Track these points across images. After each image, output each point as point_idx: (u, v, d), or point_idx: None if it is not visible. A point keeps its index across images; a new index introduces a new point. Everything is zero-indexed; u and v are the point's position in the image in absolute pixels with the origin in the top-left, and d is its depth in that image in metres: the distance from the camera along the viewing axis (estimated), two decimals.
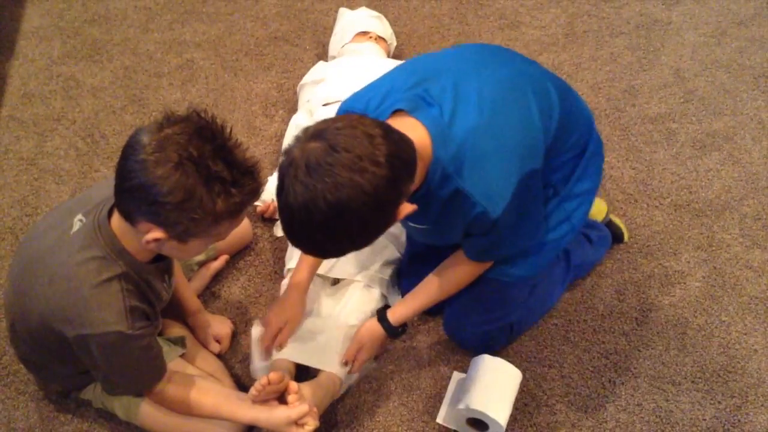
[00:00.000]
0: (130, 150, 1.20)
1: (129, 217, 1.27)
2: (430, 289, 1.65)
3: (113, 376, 1.43)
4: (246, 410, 1.49)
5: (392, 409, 1.71)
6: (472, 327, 1.73)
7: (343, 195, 1.16)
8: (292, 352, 1.70)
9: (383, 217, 1.24)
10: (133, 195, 1.22)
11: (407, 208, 1.28)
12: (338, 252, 1.30)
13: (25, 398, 1.69)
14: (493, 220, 1.38)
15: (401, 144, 1.24)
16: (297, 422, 1.47)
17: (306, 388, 1.60)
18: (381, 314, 1.69)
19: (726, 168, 2.24)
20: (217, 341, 1.76)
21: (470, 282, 1.65)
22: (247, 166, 1.24)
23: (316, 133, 1.19)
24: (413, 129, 1.32)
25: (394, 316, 1.67)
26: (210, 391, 1.54)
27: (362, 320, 1.76)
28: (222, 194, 1.21)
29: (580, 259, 1.85)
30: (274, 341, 1.68)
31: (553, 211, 1.64)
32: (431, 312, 1.83)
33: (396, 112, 1.37)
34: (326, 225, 1.19)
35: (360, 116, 1.24)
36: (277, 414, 1.47)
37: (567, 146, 1.57)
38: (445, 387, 1.74)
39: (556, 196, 1.62)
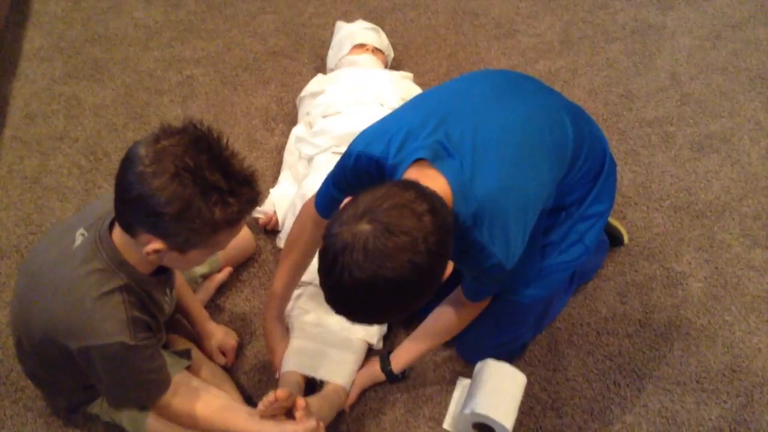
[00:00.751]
0: (128, 163, 1.22)
1: (129, 229, 1.29)
2: (432, 333, 1.67)
3: (117, 389, 1.44)
4: (254, 425, 1.49)
5: (399, 417, 1.71)
6: (487, 351, 1.72)
7: (404, 275, 1.16)
8: (298, 364, 1.71)
9: (434, 285, 1.25)
10: (132, 207, 1.23)
11: (449, 266, 1.30)
12: (390, 319, 1.34)
13: (33, 414, 1.70)
14: (506, 270, 1.40)
15: (442, 212, 1.23)
16: None
17: (313, 402, 1.61)
18: (384, 362, 1.71)
19: (725, 169, 2.25)
20: (223, 354, 1.77)
21: (471, 321, 1.65)
22: (245, 175, 1.26)
23: (365, 212, 1.18)
24: (435, 180, 1.31)
25: (398, 364, 1.70)
26: (217, 404, 1.54)
27: (366, 333, 1.77)
28: (219, 204, 1.22)
29: (582, 268, 1.85)
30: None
31: (566, 234, 1.65)
32: None
33: (417, 160, 1.36)
34: (386, 299, 1.20)
35: (400, 190, 1.22)
36: (286, 429, 1.48)
37: (582, 172, 1.59)
38: (451, 393, 1.74)
39: (569, 219, 1.64)
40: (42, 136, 2.36)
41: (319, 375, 1.71)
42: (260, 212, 2.08)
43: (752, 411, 1.71)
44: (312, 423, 1.50)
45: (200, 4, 2.85)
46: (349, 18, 2.68)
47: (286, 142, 2.27)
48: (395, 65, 2.58)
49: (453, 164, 1.34)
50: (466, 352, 1.79)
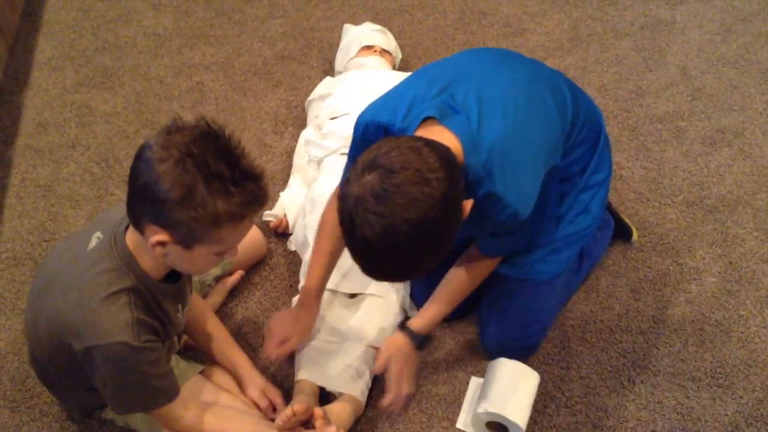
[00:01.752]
0: (139, 154, 1.25)
1: (138, 223, 1.30)
2: (449, 292, 1.66)
3: (119, 393, 1.41)
4: None
5: (411, 417, 1.71)
6: (512, 341, 1.74)
7: (420, 209, 1.17)
8: (312, 374, 1.71)
9: (456, 217, 1.25)
10: (139, 196, 1.25)
11: (468, 204, 1.29)
12: (423, 270, 1.28)
13: (48, 419, 1.71)
14: (522, 220, 1.41)
15: (441, 147, 1.25)
16: None
17: (331, 410, 1.62)
18: (403, 325, 1.68)
19: (737, 163, 2.23)
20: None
21: (486, 276, 1.65)
22: (252, 171, 1.26)
23: (365, 165, 1.20)
24: (443, 136, 1.33)
25: (418, 324, 1.66)
26: (233, 419, 1.55)
27: (379, 340, 1.76)
28: (222, 193, 1.22)
29: (589, 246, 1.87)
30: (275, 351, 1.67)
31: (572, 205, 1.67)
32: (448, 319, 1.83)
33: (425, 120, 1.38)
34: (410, 244, 1.19)
35: (394, 138, 1.25)
36: None
37: (581, 140, 1.62)
38: (463, 392, 1.74)
39: (574, 189, 1.66)
40: (54, 144, 2.38)
41: (334, 387, 1.70)
42: (271, 215, 2.08)
43: None
44: (332, 429, 1.51)
45: (209, 10, 2.87)
46: (356, 21, 2.69)
47: (295, 146, 2.27)
48: (403, 66, 2.58)
49: (460, 119, 1.37)
50: (492, 343, 1.78)
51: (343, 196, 1.22)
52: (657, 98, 2.44)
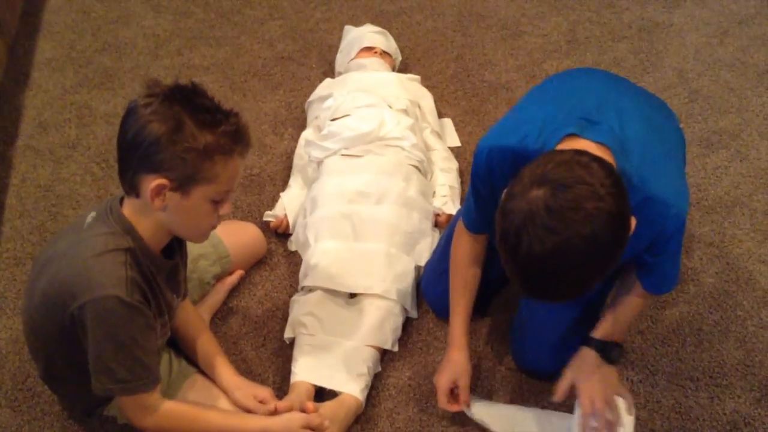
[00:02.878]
0: (125, 114, 1.32)
1: (133, 183, 1.33)
2: (624, 321, 1.59)
3: (105, 357, 1.38)
4: (255, 419, 1.52)
5: (412, 416, 1.72)
6: (553, 353, 1.69)
7: (596, 224, 1.13)
8: (311, 375, 1.72)
9: (626, 234, 1.21)
10: (130, 149, 1.30)
11: (633, 221, 1.24)
12: (586, 289, 1.23)
13: (50, 418, 1.72)
14: (683, 221, 1.38)
15: (606, 162, 1.22)
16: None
17: (326, 407, 1.63)
18: (597, 343, 1.55)
19: (734, 165, 2.25)
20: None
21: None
22: (231, 109, 1.34)
23: (533, 180, 1.17)
24: (595, 149, 1.31)
25: (599, 333, 1.56)
26: (215, 406, 1.58)
27: (380, 339, 1.77)
28: (209, 125, 1.29)
29: None
30: (450, 402, 1.64)
31: None
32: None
33: (564, 137, 1.35)
34: (581, 260, 1.16)
35: (558, 152, 1.23)
36: (286, 417, 1.50)
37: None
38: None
39: None
40: (54, 144, 2.38)
41: (332, 385, 1.70)
42: (271, 216, 2.09)
43: (766, 405, 1.71)
44: (318, 420, 1.53)
45: (209, 12, 2.88)
46: (355, 22, 2.70)
47: (295, 147, 2.28)
48: (402, 68, 2.59)
49: (602, 128, 1.35)
50: (528, 361, 1.74)
51: (508, 211, 1.17)
52: None
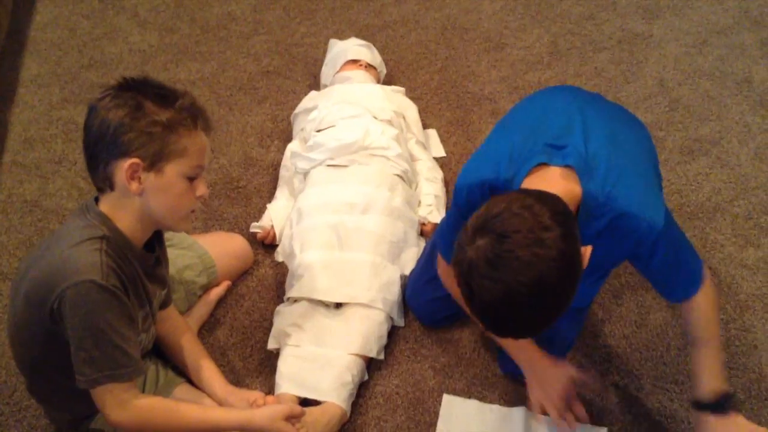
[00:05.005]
0: (86, 118, 1.39)
1: (105, 174, 1.38)
2: (705, 327, 1.54)
3: (85, 347, 1.36)
4: (237, 412, 1.52)
5: (400, 423, 1.72)
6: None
7: (535, 271, 1.17)
8: (294, 385, 1.72)
9: (576, 269, 1.24)
10: (97, 142, 1.36)
11: (587, 250, 1.27)
12: (552, 321, 1.26)
13: None
14: (659, 231, 1.38)
15: (550, 198, 1.25)
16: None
17: (309, 413, 1.62)
18: (700, 404, 1.51)
19: (715, 171, 2.28)
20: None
21: (717, 297, 1.57)
22: (182, 90, 1.42)
23: (476, 229, 1.21)
24: (557, 176, 1.35)
25: (718, 388, 1.49)
26: (193, 402, 1.60)
27: (365, 348, 1.78)
28: (166, 103, 1.36)
29: None
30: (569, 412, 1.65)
31: None
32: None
33: (535, 167, 1.39)
34: (534, 304, 1.20)
35: (504, 196, 1.25)
36: (264, 411, 1.50)
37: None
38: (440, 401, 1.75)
39: None
40: (41, 160, 2.39)
41: (316, 396, 1.70)
42: (258, 227, 2.10)
43: (750, 407, 1.72)
44: (296, 406, 1.54)
45: (194, 27, 2.90)
46: (340, 37, 2.73)
47: (282, 159, 2.30)
48: (387, 81, 2.62)
49: (568, 151, 1.38)
50: (511, 367, 1.75)
51: (458, 261, 1.23)
52: (635, 109, 2.49)
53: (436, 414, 1.73)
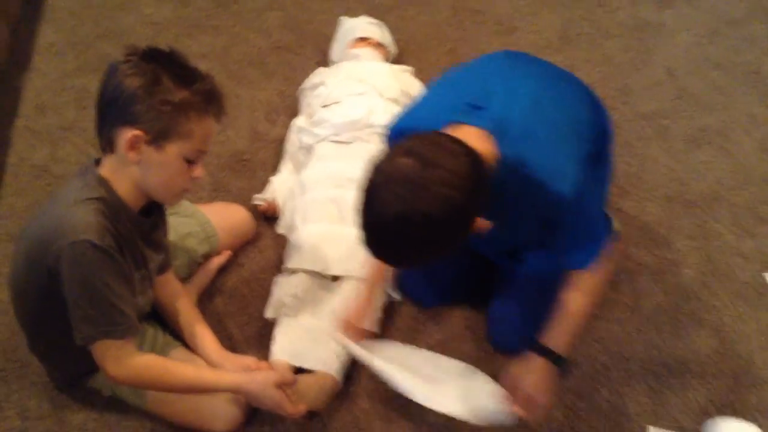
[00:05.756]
0: (105, 75, 1.39)
1: (110, 137, 1.39)
2: (577, 306, 1.57)
3: (83, 304, 1.40)
4: (230, 375, 1.56)
5: (392, 394, 1.75)
6: (528, 329, 1.69)
7: (438, 208, 1.22)
8: (287, 354, 1.75)
9: (464, 228, 1.29)
10: (109, 104, 1.37)
11: (484, 223, 1.32)
12: (418, 262, 1.34)
13: (37, 389, 1.76)
14: (568, 200, 1.40)
15: (478, 159, 1.29)
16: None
17: (300, 380, 1.66)
18: (537, 346, 1.57)
19: (718, 160, 2.28)
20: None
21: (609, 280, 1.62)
22: (204, 72, 1.42)
23: (404, 150, 1.26)
24: (473, 136, 1.37)
25: (560, 347, 1.55)
26: (189, 362, 1.63)
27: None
28: (184, 83, 1.36)
29: None
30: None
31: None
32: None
33: (451, 124, 1.42)
34: (417, 236, 1.24)
35: (438, 134, 1.30)
36: (256, 376, 1.54)
37: (595, 133, 1.62)
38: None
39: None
40: (52, 126, 2.43)
41: (308, 365, 1.73)
42: (260, 199, 2.13)
43: (738, 393, 1.74)
44: (289, 374, 1.59)
45: (207, 1, 2.93)
46: (352, 15, 2.74)
47: (287, 134, 2.32)
48: (396, 61, 2.63)
49: (485, 114, 1.41)
50: (501, 340, 1.79)
51: (374, 168, 1.27)
52: (642, 97, 2.50)
53: (413, 419, 1.76)
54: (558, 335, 1.57)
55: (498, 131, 1.39)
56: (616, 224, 2.06)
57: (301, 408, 1.60)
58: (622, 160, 2.28)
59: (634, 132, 2.38)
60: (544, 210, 1.44)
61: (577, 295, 1.57)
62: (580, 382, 1.77)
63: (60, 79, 2.60)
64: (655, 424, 1.69)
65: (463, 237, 1.31)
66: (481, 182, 1.28)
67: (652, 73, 2.59)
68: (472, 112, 1.42)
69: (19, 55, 2.69)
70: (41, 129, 2.42)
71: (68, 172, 2.27)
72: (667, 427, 1.68)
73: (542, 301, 1.69)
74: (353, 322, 1.73)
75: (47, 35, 2.78)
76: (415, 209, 1.21)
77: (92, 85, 2.55)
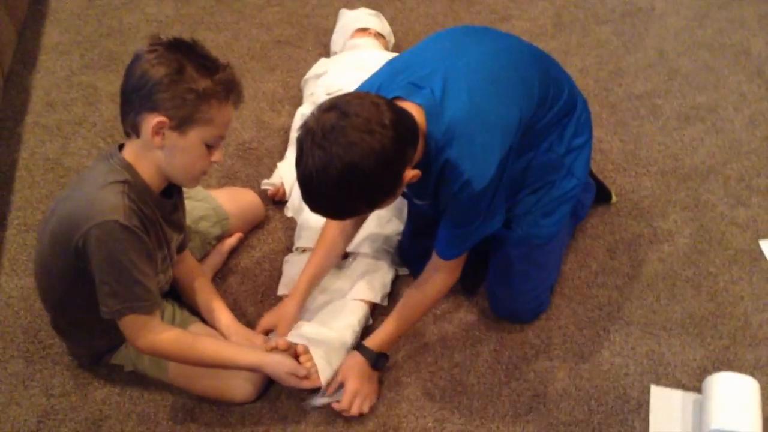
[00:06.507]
0: (130, 62, 1.45)
1: (135, 122, 1.46)
2: (406, 309, 1.73)
3: (109, 280, 1.47)
4: (248, 354, 1.63)
5: (399, 362, 1.82)
6: (527, 304, 1.85)
7: (356, 154, 1.32)
8: (301, 331, 1.80)
9: (391, 176, 1.40)
10: (134, 91, 1.43)
11: (412, 172, 1.44)
12: (353, 211, 1.46)
13: (60, 368, 1.82)
14: (476, 191, 1.52)
15: (403, 112, 1.41)
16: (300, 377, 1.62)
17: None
18: (360, 347, 1.72)
19: (710, 136, 2.36)
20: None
21: (445, 293, 1.74)
22: (225, 62, 1.50)
23: (329, 105, 1.38)
24: (409, 108, 1.48)
25: (373, 342, 1.71)
26: (210, 336, 1.70)
27: (369, 294, 1.87)
28: (207, 72, 1.44)
29: (576, 207, 1.96)
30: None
31: (555, 168, 1.77)
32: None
33: (392, 99, 1.51)
34: (342, 183, 1.34)
35: (365, 92, 1.42)
36: (278, 359, 1.61)
37: (556, 107, 1.72)
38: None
39: (551, 152, 1.75)
40: (62, 122, 2.49)
41: (322, 337, 1.77)
42: (269, 184, 2.20)
43: (735, 351, 1.81)
44: (309, 365, 1.65)
45: None
46: (351, 8, 2.81)
47: (292, 122, 2.39)
48: (395, 49, 2.70)
49: (424, 92, 1.51)
50: (504, 311, 1.88)
51: (302, 126, 1.39)
52: (635, 78, 2.57)
53: (436, 355, 1.83)
54: (383, 333, 1.70)
55: (433, 112, 1.49)
56: (614, 196, 2.14)
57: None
58: (618, 138, 2.36)
59: (628, 112, 2.45)
60: (454, 192, 1.53)
61: (421, 294, 1.71)
62: (583, 346, 1.84)
63: (67, 77, 2.66)
64: (656, 383, 1.76)
65: (391, 185, 1.41)
66: (405, 132, 1.39)
67: (644, 56, 2.66)
68: (413, 90, 1.52)
69: (27, 56, 2.76)
70: (51, 124, 2.49)
71: (80, 165, 2.34)
72: (669, 386, 1.75)
73: (532, 266, 1.81)
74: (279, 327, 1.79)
75: (53, 35, 2.85)
76: (335, 158, 1.32)
77: (99, 81, 2.62)
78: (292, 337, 1.76)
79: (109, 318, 1.52)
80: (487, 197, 1.56)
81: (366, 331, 1.84)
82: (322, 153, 1.33)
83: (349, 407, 1.67)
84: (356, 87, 1.68)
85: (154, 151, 1.49)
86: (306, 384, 1.65)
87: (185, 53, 1.43)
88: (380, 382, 1.76)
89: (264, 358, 1.62)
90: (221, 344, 1.67)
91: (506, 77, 1.59)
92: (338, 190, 1.36)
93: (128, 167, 1.51)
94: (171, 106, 1.42)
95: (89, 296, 1.52)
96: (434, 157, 1.51)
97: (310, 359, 1.68)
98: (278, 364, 1.62)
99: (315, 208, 1.44)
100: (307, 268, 1.84)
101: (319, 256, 1.84)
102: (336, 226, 1.83)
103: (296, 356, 1.67)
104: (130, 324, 1.54)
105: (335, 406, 1.69)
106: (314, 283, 1.85)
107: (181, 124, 1.45)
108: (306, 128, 1.38)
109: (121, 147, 1.55)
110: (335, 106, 1.36)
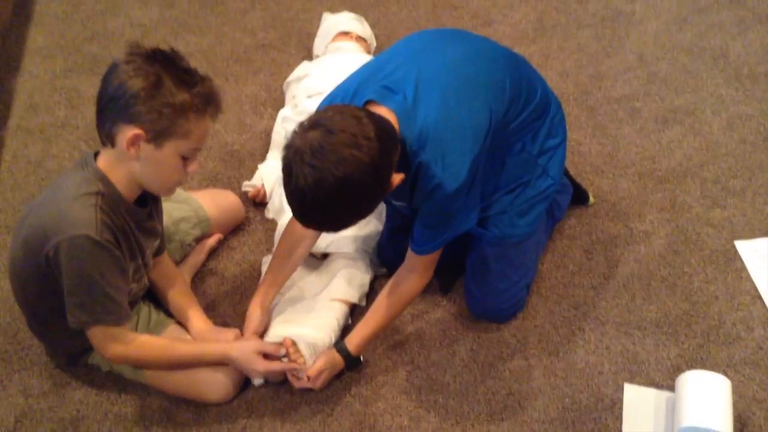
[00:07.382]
0: (107, 72, 1.44)
1: (110, 133, 1.45)
2: (381, 310, 1.75)
3: (77, 293, 1.49)
4: (215, 346, 1.67)
5: (379, 356, 1.83)
6: (503, 303, 1.87)
7: (348, 168, 1.35)
8: (279, 330, 1.81)
9: (381, 184, 1.44)
10: (111, 101, 1.41)
11: (397, 177, 1.47)
12: (347, 222, 1.48)
13: (38, 368, 1.83)
14: (448, 194, 1.55)
15: (383, 121, 1.45)
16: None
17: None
18: (340, 344, 1.74)
19: (687, 139, 2.38)
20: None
21: (419, 293, 1.77)
22: (204, 74, 1.48)
23: (311, 123, 1.39)
24: (383, 113, 1.51)
25: (353, 345, 1.73)
26: (179, 339, 1.73)
27: (348, 294, 1.89)
28: (185, 85, 1.42)
29: (552, 207, 1.99)
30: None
31: (529, 168, 1.80)
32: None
33: (366, 103, 1.55)
34: (336, 198, 1.37)
35: (343, 105, 1.46)
36: (243, 342, 1.64)
37: (529, 108, 1.74)
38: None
39: (524, 152, 1.77)
40: (45, 125, 2.50)
41: (303, 332, 1.80)
42: (249, 185, 2.22)
43: (708, 350, 1.83)
44: (301, 360, 1.68)
45: (193, 3, 3.01)
46: (334, 12, 2.83)
47: (274, 125, 2.41)
48: (376, 53, 2.72)
49: (397, 98, 1.54)
50: (480, 311, 1.90)
51: (287, 147, 1.40)
52: (614, 82, 2.60)
53: (413, 353, 1.85)
54: (358, 336, 1.74)
55: (404, 116, 1.52)
56: (591, 198, 2.16)
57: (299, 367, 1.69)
58: (597, 140, 2.38)
59: (607, 115, 2.47)
60: (426, 193, 1.57)
61: (394, 297, 1.74)
62: (558, 345, 1.85)
63: (50, 80, 2.68)
64: (630, 381, 1.77)
65: (382, 192, 1.45)
66: (388, 140, 1.42)
67: (623, 60, 2.69)
68: (387, 94, 1.55)
69: (10, 59, 2.77)
70: (34, 128, 2.50)
71: (62, 167, 2.34)
72: (643, 384, 1.76)
73: (508, 265, 1.83)
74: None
75: (36, 39, 2.86)
76: (327, 175, 1.34)
77: (82, 85, 2.63)
78: (272, 338, 1.77)
79: (75, 328, 1.53)
80: (460, 198, 1.58)
81: (344, 331, 1.85)
82: (313, 170, 1.34)
83: (316, 379, 1.69)
84: (334, 89, 1.70)
85: (129, 162, 1.49)
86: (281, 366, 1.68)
87: (163, 65, 1.42)
88: (357, 381, 1.78)
89: (229, 345, 1.66)
90: (189, 345, 1.69)
91: (477, 79, 1.62)
92: (333, 204, 1.39)
93: (102, 177, 1.50)
94: (147, 120, 1.42)
95: (60, 302, 1.54)
96: (410, 160, 1.54)
97: (298, 350, 1.71)
98: (244, 346, 1.66)
99: (309, 224, 1.46)
100: (268, 271, 1.86)
101: (281, 258, 1.85)
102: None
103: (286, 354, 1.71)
104: (98, 334, 1.57)
105: (302, 379, 1.70)
106: (276, 284, 1.85)
107: (157, 137, 1.44)
108: (293, 148, 1.38)
109: (96, 154, 1.55)
110: (318, 124, 1.38)
